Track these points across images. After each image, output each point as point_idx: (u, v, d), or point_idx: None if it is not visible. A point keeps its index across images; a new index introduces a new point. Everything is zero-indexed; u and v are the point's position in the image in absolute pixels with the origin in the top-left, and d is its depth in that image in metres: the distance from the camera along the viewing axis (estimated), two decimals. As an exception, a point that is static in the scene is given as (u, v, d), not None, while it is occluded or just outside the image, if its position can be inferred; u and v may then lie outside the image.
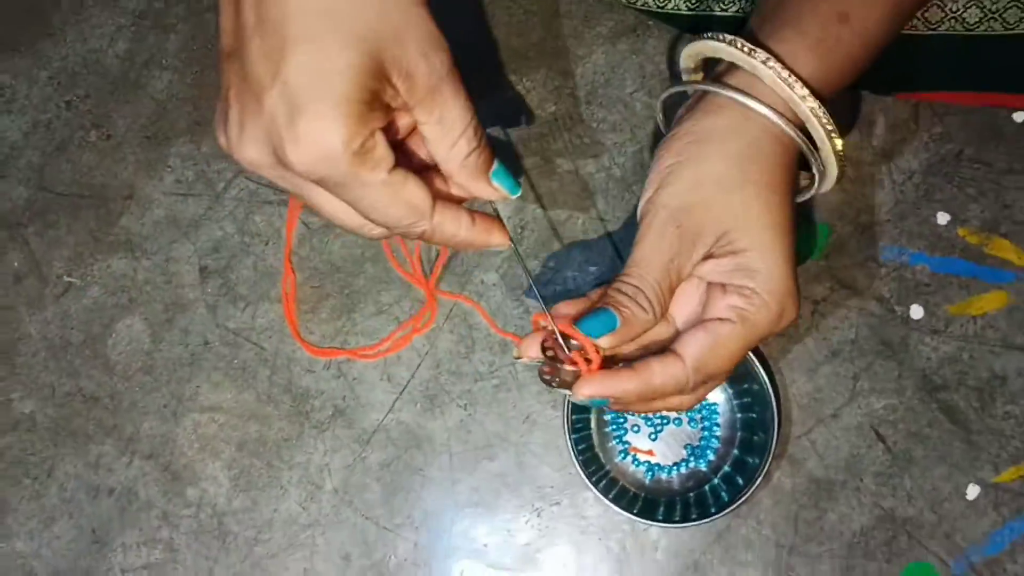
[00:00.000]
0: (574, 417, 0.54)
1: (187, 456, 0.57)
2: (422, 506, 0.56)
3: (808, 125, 0.43)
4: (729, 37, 0.43)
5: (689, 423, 0.56)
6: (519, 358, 0.44)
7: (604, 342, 0.42)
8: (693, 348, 0.43)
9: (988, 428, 0.55)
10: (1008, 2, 0.50)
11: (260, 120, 0.36)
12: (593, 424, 0.56)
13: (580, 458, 0.54)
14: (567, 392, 0.44)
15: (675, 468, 0.56)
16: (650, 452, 0.56)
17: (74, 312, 0.59)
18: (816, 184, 0.47)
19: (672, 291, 0.44)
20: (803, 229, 0.57)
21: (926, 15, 0.51)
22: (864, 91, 0.57)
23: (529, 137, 0.59)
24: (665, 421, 0.56)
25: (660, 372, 0.42)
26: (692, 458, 0.56)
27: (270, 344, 0.58)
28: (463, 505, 0.56)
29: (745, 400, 0.55)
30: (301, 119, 0.36)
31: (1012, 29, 0.51)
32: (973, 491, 0.54)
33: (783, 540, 0.54)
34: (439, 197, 0.40)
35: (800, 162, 0.46)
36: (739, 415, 0.56)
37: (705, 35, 0.45)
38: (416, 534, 0.56)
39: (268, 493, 0.56)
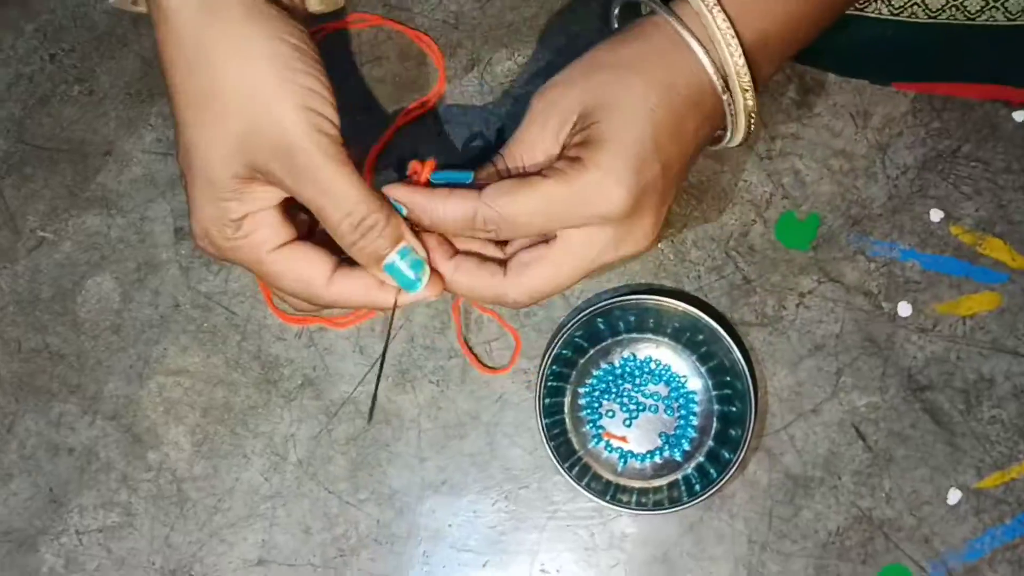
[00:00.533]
0: (547, 400, 0.53)
1: (150, 419, 0.56)
2: (387, 482, 0.54)
3: (725, 67, 0.44)
4: None
5: (665, 411, 0.54)
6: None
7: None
8: (492, 188, 0.42)
9: (973, 432, 0.53)
10: (1010, -10, 0.48)
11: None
12: (567, 408, 0.55)
13: (552, 442, 0.52)
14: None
15: (649, 456, 0.54)
16: (624, 439, 0.54)
17: (45, 267, 0.57)
18: (728, 132, 0.46)
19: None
20: (794, 219, 0.56)
21: (927, 2, 0.50)
22: (862, 80, 0.56)
23: (520, 113, 0.58)
24: (641, 407, 0.54)
25: (453, 198, 0.42)
26: (666, 447, 0.54)
27: (241, 309, 0.56)
28: (430, 484, 0.54)
29: (725, 392, 0.54)
30: (191, 202, 0.43)
31: (1014, 20, 0.49)
32: (954, 496, 0.53)
33: (756, 536, 0.53)
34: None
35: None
36: (717, 407, 0.54)
37: None
38: (380, 511, 0.54)
39: (230, 461, 0.55)
